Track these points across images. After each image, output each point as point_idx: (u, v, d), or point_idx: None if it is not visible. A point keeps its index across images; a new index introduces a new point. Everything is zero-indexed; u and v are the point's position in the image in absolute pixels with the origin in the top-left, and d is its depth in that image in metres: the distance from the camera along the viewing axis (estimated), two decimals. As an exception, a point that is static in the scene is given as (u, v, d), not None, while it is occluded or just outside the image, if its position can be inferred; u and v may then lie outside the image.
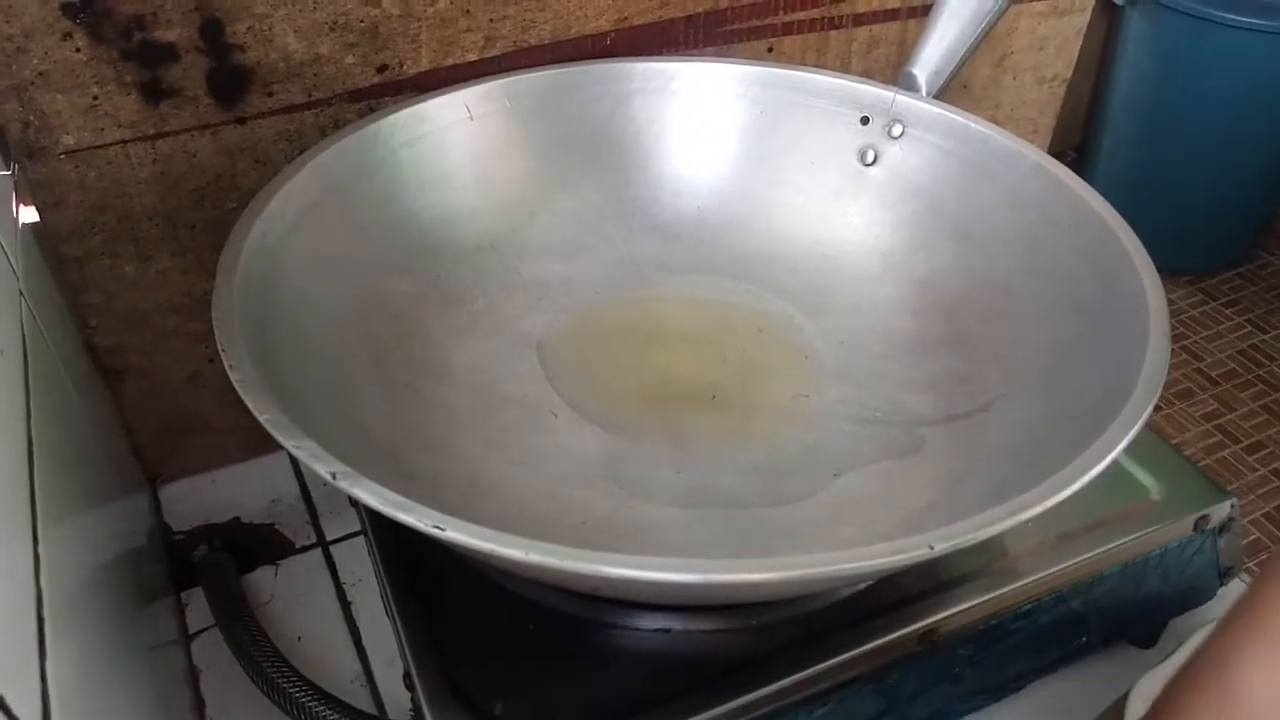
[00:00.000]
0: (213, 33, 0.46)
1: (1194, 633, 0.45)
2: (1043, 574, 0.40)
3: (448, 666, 0.37)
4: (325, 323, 0.43)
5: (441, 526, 0.29)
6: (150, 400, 0.55)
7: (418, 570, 0.40)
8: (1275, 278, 1.76)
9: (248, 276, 0.39)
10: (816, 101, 0.54)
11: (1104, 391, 0.37)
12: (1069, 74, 0.72)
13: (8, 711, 0.22)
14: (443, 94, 0.51)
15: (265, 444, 0.51)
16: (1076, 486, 0.32)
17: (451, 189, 0.51)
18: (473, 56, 0.53)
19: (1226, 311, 1.69)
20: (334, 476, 0.30)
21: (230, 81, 0.48)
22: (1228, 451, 1.44)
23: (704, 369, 0.49)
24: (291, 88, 0.49)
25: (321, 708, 0.43)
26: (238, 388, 0.33)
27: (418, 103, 0.50)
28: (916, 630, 0.38)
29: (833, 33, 0.62)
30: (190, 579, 0.52)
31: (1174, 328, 0.38)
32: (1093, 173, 1.73)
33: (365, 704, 0.47)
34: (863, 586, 0.39)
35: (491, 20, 0.52)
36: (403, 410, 0.44)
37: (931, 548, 0.29)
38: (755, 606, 0.38)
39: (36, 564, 0.28)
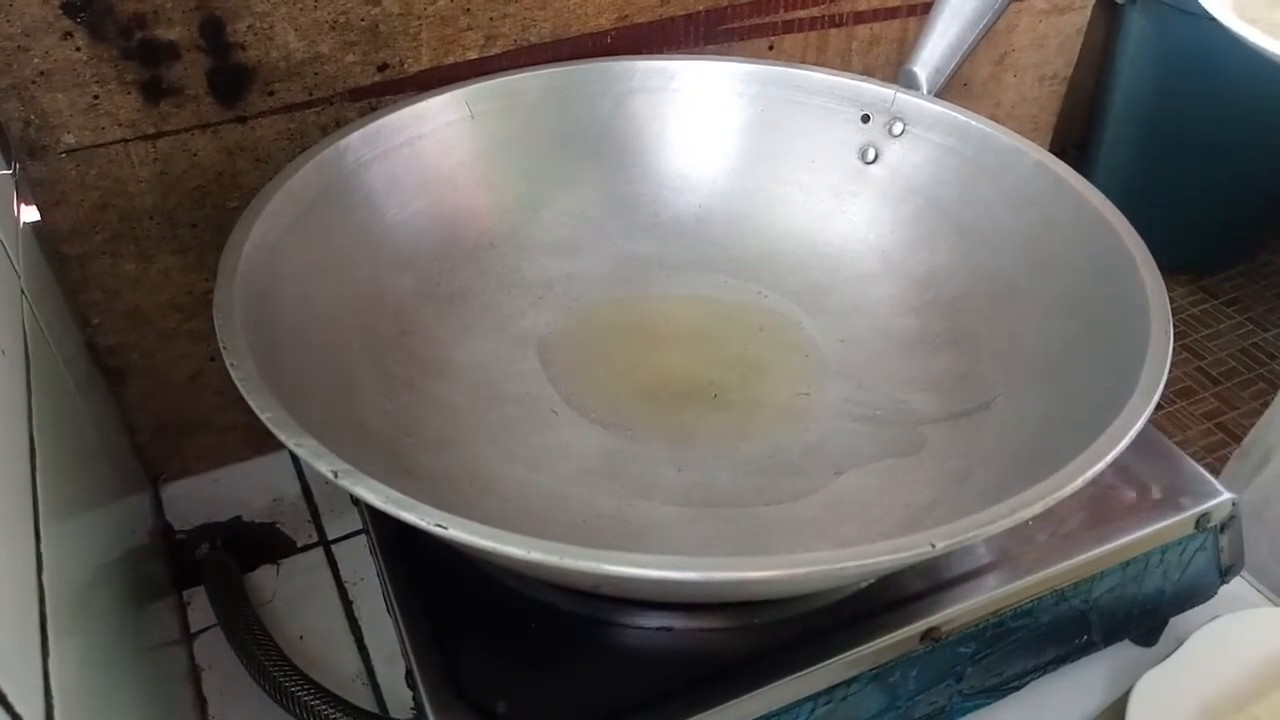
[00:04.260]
0: (213, 31, 0.46)
1: (1194, 631, 0.45)
2: (1043, 572, 0.40)
3: (450, 665, 0.37)
4: (326, 321, 0.43)
5: (443, 525, 0.29)
6: (151, 399, 0.55)
7: (419, 568, 0.40)
8: (1276, 276, 1.76)
9: (249, 275, 0.39)
10: (817, 99, 0.54)
11: (1105, 389, 0.37)
12: (1070, 72, 0.72)
13: (10, 709, 0.22)
14: (443, 92, 0.51)
15: (267, 442, 0.51)
16: (1077, 485, 0.31)
17: (452, 187, 0.51)
18: (473, 55, 0.53)
19: (1227, 310, 1.69)
20: (335, 474, 0.30)
21: (231, 80, 0.48)
22: (1229, 450, 1.44)
23: (705, 367, 0.49)
24: (292, 86, 0.49)
25: (323, 706, 0.43)
26: (239, 386, 0.33)
27: (418, 101, 0.50)
28: (918, 629, 0.38)
29: (833, 31, 0.62)
30: (192, 578, 0.52)
31: (1175, 326, 0.38)
32: (1094, 170, 1.73)
33: (367, 702, 0.47)
34: (864, 585, 0.39)
35: (492, 19, 0.52)
36: (404, 408, 0.44)
37: (933, 546, 0.29)
38: (757, 605, 0.38)
39: (39, 563, 0.28)
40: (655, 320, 0.52)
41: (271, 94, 0.49)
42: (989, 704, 0.43)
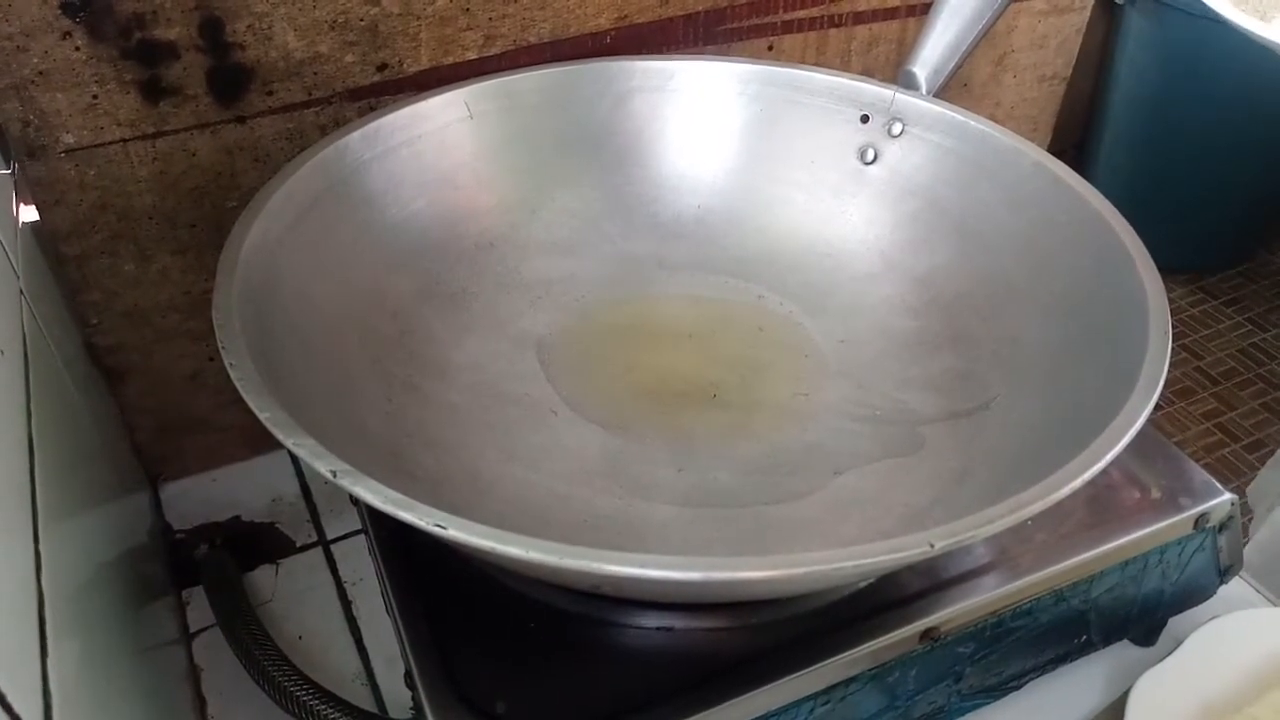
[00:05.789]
0: (212, 31, 0.46)
1: (1193, 632, 0.45)
2: (1043, 572, 0.40)
3: (449, 665, 0.37)
4: (326, 321, 0.43)
5: (443, 525, 0.28)
6: (151, 399, 0.55)
7: (419, 568, 0.40)
8: (1275, 276, 1.76)
9: (248, 275, 0.39)
10: (816, 100, 0.54)
11: (1104, 390, 0.37)
12: (1069, 72, 0.72)
13: (9, 709, 0.22)
14: (442, 92, 0.50)
15: (266, 442, 0.51)
16: (1076, 485, 0.32)
17: (451, 187, 0.51)
18: (472, 55, 0.53)
19: (1226, 310, 1.69)
20: (334, 474, 0.30)
21: (230, 80, 0.48)
22: (1228, 450, 1.44)
23: (704, 367, 0.49)
24: (291, 86, 0.49)
25: (323, 706, 0.43)
26: (238, 386, 0.33)
27: (417, 101, 0.50)
28: (917, 629, 0.38)
29: (832, 31, 0.62)
30: (191, 578, 0.52)
31: (1174, 326, 0.38)
32: (1093, 171, 1.73)
33: (366, 703, 0.47)
34: (863, 585, 0.39)
35: (491, 19, 0.52)
36: (403, 408, 0.44)
37: (932, 546, 0.29)
38: (757, 605, 0.38)
39: (38, 563, 0.28)
40: (655, 320, 0.52)
41: (271, 94, 0.49)
42: (988, 704, 0.43)
